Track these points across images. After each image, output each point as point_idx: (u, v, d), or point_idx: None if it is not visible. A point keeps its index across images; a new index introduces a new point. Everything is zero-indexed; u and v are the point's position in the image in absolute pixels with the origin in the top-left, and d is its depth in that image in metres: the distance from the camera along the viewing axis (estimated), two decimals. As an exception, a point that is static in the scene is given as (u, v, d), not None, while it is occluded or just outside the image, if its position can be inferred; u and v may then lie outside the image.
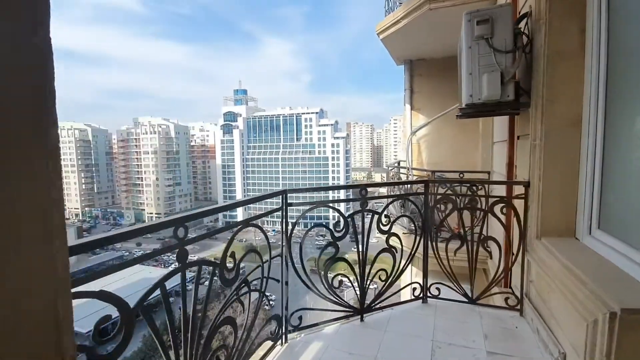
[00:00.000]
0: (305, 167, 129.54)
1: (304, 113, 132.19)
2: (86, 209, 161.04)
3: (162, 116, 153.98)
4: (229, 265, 2.89)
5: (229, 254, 2.89)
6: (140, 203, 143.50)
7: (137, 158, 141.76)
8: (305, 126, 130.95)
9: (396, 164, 7.37)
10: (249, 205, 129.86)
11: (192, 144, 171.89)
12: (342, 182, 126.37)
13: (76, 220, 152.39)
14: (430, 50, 6.51)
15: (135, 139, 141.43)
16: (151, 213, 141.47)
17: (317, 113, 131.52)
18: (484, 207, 3.40)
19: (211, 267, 2.69)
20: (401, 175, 6.32)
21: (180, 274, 2.24)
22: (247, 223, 3.38)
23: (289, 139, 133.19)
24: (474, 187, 3.34)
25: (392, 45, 6.10)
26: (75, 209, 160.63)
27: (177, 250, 2.24)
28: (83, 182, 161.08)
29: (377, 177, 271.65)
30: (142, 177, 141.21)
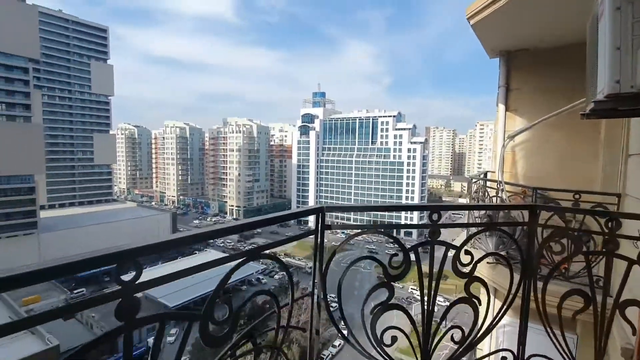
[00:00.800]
0: (379, 172, 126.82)
1: (380, 116, 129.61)
2: (181, 197, 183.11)
3: (248, 117, 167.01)
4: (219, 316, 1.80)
5: (219, 297, 1.78)
6: (224, 196, 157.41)
7: (224, 155, 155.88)
8: (382, 129, 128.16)
9: (482, 175, 6.01)
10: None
11: (272, 143, 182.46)
12: (417, 189, 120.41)
13: (172, 207, 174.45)
14: (535, 38, 5.14)
15: (224, 137, 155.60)
16: (232, 205, 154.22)
17: (394, 116, 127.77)
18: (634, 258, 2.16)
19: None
20: (488, 189, 5.05)
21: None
22: (255, 254, 2.16)
23: (363, 142, 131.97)
24: (611, 223, 2.17)
25: (486, 32, 4.91)
26: (172, 196, 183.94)
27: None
28: (180, 173, 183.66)
29: (457, 187, 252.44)
30: (226, 172, 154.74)
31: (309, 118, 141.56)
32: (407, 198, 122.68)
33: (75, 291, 69.97)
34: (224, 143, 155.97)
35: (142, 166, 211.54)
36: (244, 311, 49.72)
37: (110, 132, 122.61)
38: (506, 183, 4.67)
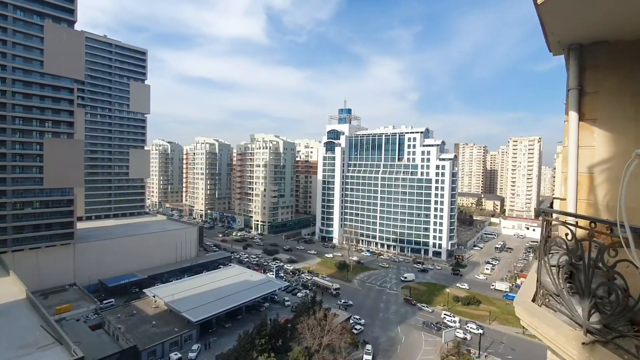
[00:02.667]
0: (405, 189, 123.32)
1: (407, 132, 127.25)
2: (208, 211, 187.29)
3: (274, 133, 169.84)
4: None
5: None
6: (250, 210, 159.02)
7: (250, 170, 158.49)
8: (409, 146, 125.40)
9: (548, 205, 4.61)
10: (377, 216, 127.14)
11: (297, 159, 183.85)
12: (446, 207, 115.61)
13: (200, 220, 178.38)
14: (622, 25, 3.94)
15: (250, 153, 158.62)
16: (257, 220, 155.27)
17: (422, 132, 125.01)
18: None
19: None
20: (554, 224, 3.73)
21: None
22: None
23: (390, 159, 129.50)
24: None
25: (556, 16, 3.75)
26: (200, 210, 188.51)
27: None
28: (208, 188, 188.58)
29: (489, 205, 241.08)
30: (252, 187, 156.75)
31: (334, 134, 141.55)
32: (435, 216, 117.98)
33: (104, 301, 71.75)
34: (250, 159, 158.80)
35: (174, 180, 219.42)
36: (264, 329, 48.50)
37: (145, 148, 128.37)
38: (581, 217, 3.38)
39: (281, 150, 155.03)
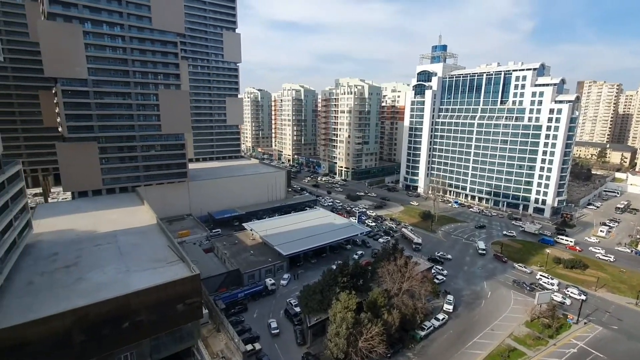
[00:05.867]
0: (507, 137, 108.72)
1: (515, 70, 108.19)
2: (295, 156, 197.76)
3: (360, 77, 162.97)
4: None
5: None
6: (334, 157, 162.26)
7: (335, 116, 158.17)
8: (516, 86, 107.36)
9: None
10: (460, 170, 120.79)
11: (383, 104, 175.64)
12: (557, 159, 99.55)
13: (288, 165, 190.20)
14: None
15: (335, 98, 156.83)
16: (341, 167, 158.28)
17: (534, 69, 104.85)
18: None
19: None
20: None
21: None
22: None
23: (490, 102, 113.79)
24: None
25: None
26: (288, 155, 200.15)
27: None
28: (295, 134, 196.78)
29: (616, 157, 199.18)
30: (337, 134, 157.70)
31: (425, 76, 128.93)
32: (542, 169, 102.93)
33: (213, 230, 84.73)
34: (335, 104, 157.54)
35: (264, 126, 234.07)
36: (346, 269, 51.48)
37: (239, 96, 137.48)
38: None
39: (366, 95, 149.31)
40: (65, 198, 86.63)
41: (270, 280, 61.35)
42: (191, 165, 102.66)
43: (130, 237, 55.03)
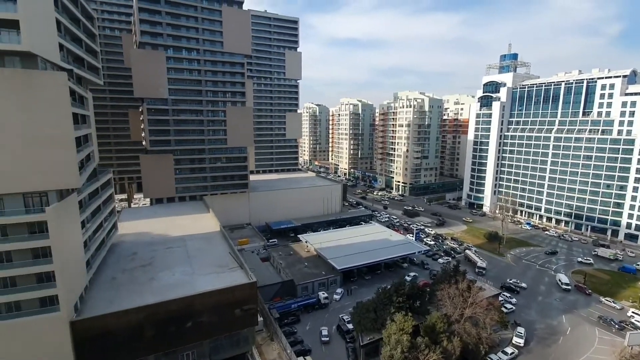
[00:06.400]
0: (590, 152, 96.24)
1: (600, 78, 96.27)
2: (352, 170, 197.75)
3: (420, 90, 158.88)
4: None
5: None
6: (391, 171, 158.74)
7: (392, 130, 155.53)
8: (602, 96, 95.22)
9: None
10: (509, 185, 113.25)
11: (445, 117, 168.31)
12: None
13: (344, 178, 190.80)
14: None
15: (393, 112, 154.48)
16: (398, 181, 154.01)
17: (624, 77, 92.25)
18: None
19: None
20: None
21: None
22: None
23: (570, 114, 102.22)
24: None
25: None
26: (344, 169, 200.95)
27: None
28: (351, 147, 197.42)
29: None
30: (394, 148, 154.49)
31: (492, 87, 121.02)
32: (635, 189, 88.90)
33: (270, 240, 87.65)
34: (393, 118, 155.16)
35: (321, 140, 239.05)
36: (402, 289, 49.14)
37: (298, 111, 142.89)
38: None
39: (426, 108, 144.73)
40: (145, 204, 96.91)
41: (323, 293, 61.15)
42: (252, 177, 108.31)
43: (197, 242, 59.39)
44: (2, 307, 32.79)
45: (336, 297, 61.85)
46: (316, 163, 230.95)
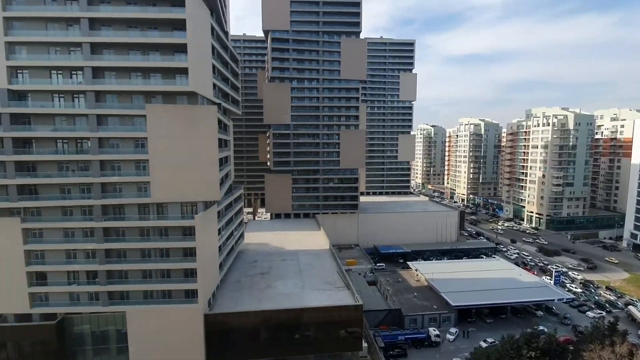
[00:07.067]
0: None
1: None
2: (471, 196, 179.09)
3: (561, 105, 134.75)
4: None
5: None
6: (521, 199, 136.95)
7: (524, 152, 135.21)
8: None
9: None
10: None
11: (597, 137, 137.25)
12: None
13: (461, 205, 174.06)
14: None
15: (525, 132, 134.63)
16: (531, 212, 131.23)
17: None
18: None
19: None
20: None
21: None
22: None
23: None
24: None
25: None
26: (462, 194, 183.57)
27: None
28: (471, 171, 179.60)
29: None
30: (526, 173, 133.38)
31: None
32: None
33: (377, 264, 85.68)
34: (525, 138, 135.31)
35: (436, 163, 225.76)
36: (535, 342, 40.52)
37: (411, 133, 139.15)
38: None
39: (570, 125, 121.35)
40: (266, 218, 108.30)
41: (434, 330, 55.67)
42: (362, 198, 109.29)
43: (308, 257, 62.69)
44: (161, 294, 40.90)
45: (450, 336, 55.37)
46: (429, 187, 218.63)
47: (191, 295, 40.38)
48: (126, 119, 38.63)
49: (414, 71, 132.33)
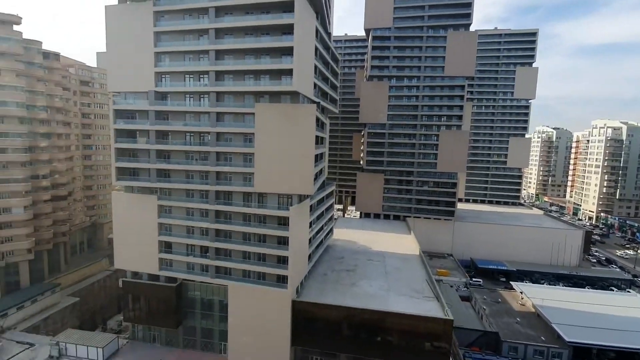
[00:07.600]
0: None
1: None
2: (602, 214, 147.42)
3: None
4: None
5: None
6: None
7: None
8: None
9: None
10: None
11: None
12: None
13: (588, 224, 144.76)
14: None
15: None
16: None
17: None
18: None
19: None
20: None
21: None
22: None
23: None
24: None
25: None
26: (589, 211, 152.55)
27: None
28: (605, 185, 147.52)
29: None
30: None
31: None
32: None
33: (473, 279, 77.94)
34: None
35: (556, 172, 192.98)
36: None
37: (526, 136, 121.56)
38: None
39: None
40: (355, 216, 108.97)
41: (540, 364, 48.03)
42: (460, 205, 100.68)
43: (395, 260, 60.82)
44: (257, 275, 45.16)
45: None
46: (546, 199, 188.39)
47: (282, 280, 43.45)
48: (239, 116, 43.74)
49: (534, 65, 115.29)
